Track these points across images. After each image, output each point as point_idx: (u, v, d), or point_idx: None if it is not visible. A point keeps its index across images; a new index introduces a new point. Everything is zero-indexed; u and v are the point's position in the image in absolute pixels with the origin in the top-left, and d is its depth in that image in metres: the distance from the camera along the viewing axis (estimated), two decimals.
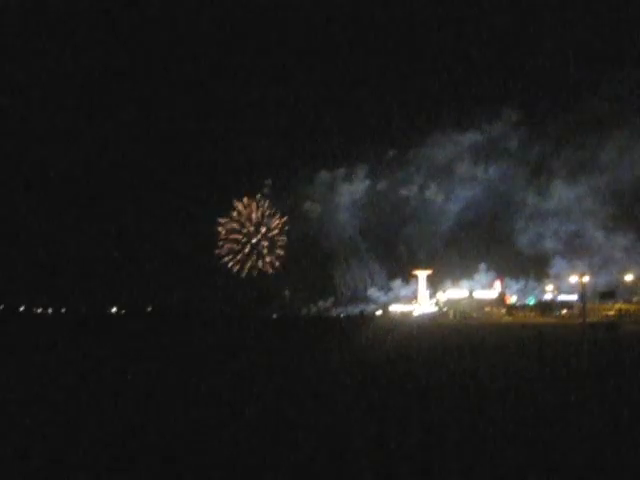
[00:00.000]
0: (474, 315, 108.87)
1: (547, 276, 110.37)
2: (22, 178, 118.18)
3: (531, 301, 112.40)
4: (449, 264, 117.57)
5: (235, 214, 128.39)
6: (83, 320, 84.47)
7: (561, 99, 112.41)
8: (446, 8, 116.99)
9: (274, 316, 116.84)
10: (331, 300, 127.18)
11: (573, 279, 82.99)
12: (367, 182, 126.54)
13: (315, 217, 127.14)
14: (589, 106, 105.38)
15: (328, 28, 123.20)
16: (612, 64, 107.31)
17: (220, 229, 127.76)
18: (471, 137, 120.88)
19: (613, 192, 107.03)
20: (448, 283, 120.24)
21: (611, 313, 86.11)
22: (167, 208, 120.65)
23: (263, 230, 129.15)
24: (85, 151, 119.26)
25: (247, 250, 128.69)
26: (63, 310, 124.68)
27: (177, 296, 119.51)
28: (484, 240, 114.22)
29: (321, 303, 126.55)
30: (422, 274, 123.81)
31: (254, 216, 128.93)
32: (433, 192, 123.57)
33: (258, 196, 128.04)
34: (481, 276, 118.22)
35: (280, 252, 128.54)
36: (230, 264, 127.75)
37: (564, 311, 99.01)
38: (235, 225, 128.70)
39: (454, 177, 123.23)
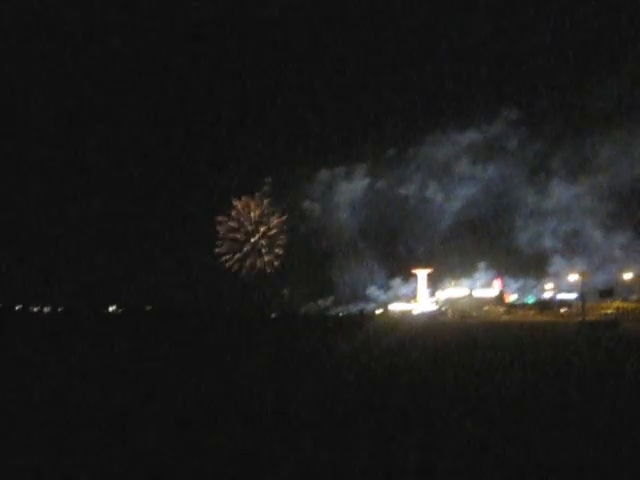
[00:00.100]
0: (473, 314, 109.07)
1: (546, 275, 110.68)
2: (20, 177, 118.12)
3: (530, 300, 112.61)
4: (448, 263, 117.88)
5: (234, 213, 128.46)
6: (81, 319, 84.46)
7: (560, 98, 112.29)
8: (445, 7, 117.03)
9: (272, 315, 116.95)
10: (331, 299, 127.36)
11: (572, 277, 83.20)
12: (366, 181, 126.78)
13: (314, 216, 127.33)
14: (588, 105, 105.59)
15: (328, 27, 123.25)
16: (611, 63, 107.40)
17: (219, 228, 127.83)
18: (470, 136, 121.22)
19: (612, 191, 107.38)
20: (447, 282, 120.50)
21: (610, 311, 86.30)
22: (166, 207, 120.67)
23: (262, 229, 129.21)
24: (83, 150, 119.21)
25: (246, 249, 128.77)
26: (60, 309, 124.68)
27: (176, 295, 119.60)
28: (483, 239, 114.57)
29: (321, 302, 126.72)
30: (421, 273, 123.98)
31: (253, 215, 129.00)
32: (432, 191, 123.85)
33: (257, 195, 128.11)
34: (480, 275, 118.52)
35: (279, 251, 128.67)
36: (229, 263, 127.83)
37: (563, 309, 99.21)
38: (234, 224, 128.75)
39: (453, 176, 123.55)
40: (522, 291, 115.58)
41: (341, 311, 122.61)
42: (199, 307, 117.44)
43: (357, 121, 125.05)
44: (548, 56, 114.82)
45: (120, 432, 10.80)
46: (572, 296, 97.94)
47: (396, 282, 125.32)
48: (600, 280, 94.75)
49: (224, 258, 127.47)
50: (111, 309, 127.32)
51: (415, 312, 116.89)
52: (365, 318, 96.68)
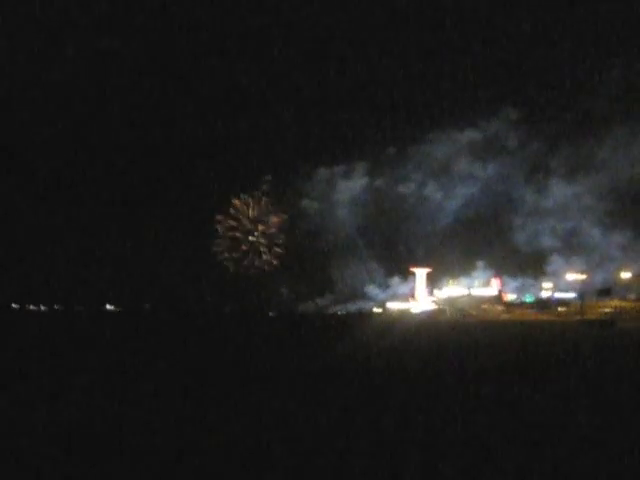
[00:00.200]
0: (472, 313, 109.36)
1: (544, 273, 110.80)
2: (17, 175, 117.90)
3: (528, 299, 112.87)
4: (447, 261, 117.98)
5: (233, 211, 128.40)
6: (79, 317, 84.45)
7: (559, 97, 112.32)
8: (445, 6, 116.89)
9: (270, 314, 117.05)
10: (329, 298, 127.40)
11: (570, 277, 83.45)
12: (366, 179, 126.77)
13: (313, 214, 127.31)
14: (587, 104, 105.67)
15: (327, 25, 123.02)
16: (610, 62, 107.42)
17: (218, 227, 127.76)
18: (470, 135, 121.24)
19: (610, 190, 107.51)
20: (446, 280, 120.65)
21: (607, 310, 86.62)
22: (165, 206, 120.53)
23: (261, 228, 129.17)
24: (81, 148, 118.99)
25: (245, 247, 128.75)
26: (57, 307, 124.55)
27: (174, 294, 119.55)
28: (482, 237, 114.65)
29: (319, 300, 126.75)
30: (420, 271, 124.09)
31: (252, 213, 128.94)
32: (431, 189, 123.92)
33: (256, 193, 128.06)
34: (479, 273, 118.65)
35: (278, 249, 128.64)
36: (228, 262, 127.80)
37: (561, 308, 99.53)
38: (233, 222, 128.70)
39: (452, 175, 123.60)
40: (520, 290, 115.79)
41: (339, 310, 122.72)
42: (197, 306, 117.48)
43: (356, 119, 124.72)
44: (548, 55, 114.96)
45: (119, 433, 10.82)
46: (570, 295, 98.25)
47: (395, 281, 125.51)
48: (598, 279, 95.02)
49: (223, 257, 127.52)
50: (108, 308, 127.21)
51: (414, 311, 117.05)
52: (364, 317, 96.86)
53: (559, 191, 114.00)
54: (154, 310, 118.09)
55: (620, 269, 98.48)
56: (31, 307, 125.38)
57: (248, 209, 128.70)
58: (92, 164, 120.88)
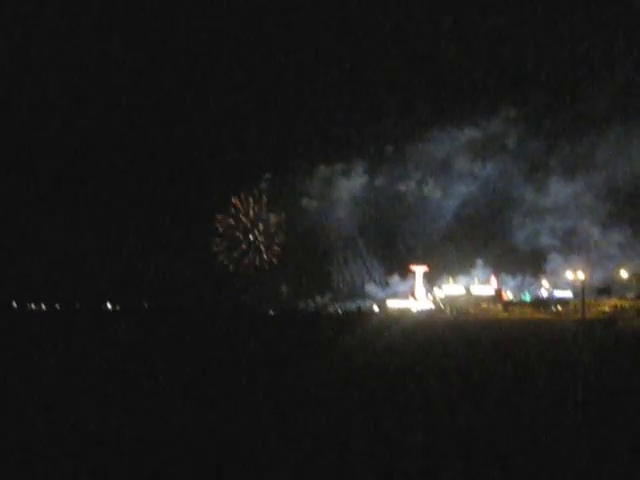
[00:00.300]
0: (471, 311, 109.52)
1: (543, 272, 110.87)
2: (17, 174, 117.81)
3: (527, 297, 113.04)
4: (446, 260, 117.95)
5: (232, 210, 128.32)
6: (79, 316, 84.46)
7: (558, 96, 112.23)
8: (444, 4, 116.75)
9: (270, 312, 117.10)
10: (329, 296, 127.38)
11: (569, 275, 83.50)
12: (365, 178, 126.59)
13: (313, 212, 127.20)
14: (586, 103, 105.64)
15: (326, 24, 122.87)
16: (610, 61, 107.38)
17: (217, 225, 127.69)
18: (469, 133, 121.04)
19: (609, 189, 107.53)
20: (445, 279, 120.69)
21: (607, 309, 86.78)
22: (164, 204, 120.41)
23: (260, 226, 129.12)
24: (81, 148, 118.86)
25: (244, 246, 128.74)
26: (57, 306, 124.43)
27: (173, 293, 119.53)
28: (481, 236, 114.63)
29: (319, 299, 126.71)
30: (419, 270, 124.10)
31: (252, 212, 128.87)
32: (431, 188, 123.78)
33: (256, 192, 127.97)
34: (478, 272, 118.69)
35: (277, 248, 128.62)
36: (227, 260, 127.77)
37: (560, 307, 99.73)
38: (232, 221, 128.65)
39: (452, 173, 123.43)
40: (519, 289, 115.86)
41: (339, 308, 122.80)
42: (197, 305, 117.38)
43: (356, 118, 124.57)
44: (547, 54, 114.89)
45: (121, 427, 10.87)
46: (568, 294, 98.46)
47: (394, 279, 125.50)
48: (597, 278, 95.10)
49: (222, 256, 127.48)
50: (109, 307, 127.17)
51: (413, 309, 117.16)
52: (363, 315, 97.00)
53: (558, 190, 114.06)
54: (154, 309, 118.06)
55: (619, 268, 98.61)
56: (32, 306, 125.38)
57: (247, 208, 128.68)
58: (92, 163, 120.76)
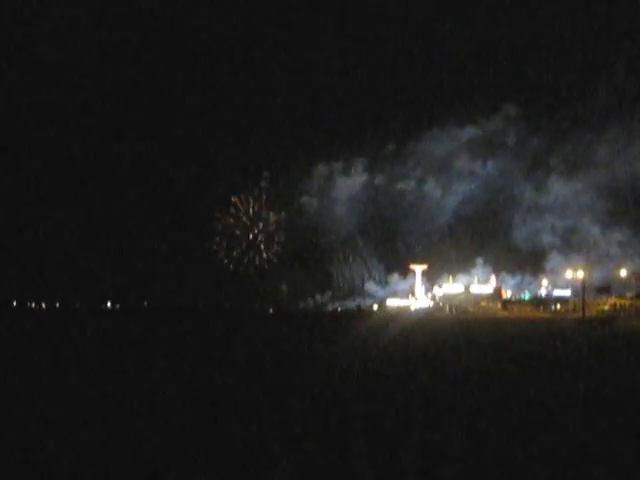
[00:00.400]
0: (470, 310, 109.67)
1: (543, 271, 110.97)
2: (17, 173, 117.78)
3: (526, 296, 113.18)
4: (446, 258, 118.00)
5: (232, 209, 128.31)
6: (80, 315, 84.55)
7: (559, 95, 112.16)
8: (444, 3, 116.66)
9: (270, 311, 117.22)
10: (328, 294, 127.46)
11: (569, 274, 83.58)
12: (365, 176, 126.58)
13: (313, 211, 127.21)
14: (587, 102, 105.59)
15: (326, 22, 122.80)
16: (610, 60, 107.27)
17: (217, 224, 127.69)
18: (469, 132, 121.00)
19: (610, 188, 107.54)
20: (445, 277, 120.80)
21: (606, 308, 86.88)
22: (164, 204, 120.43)
23: (260, 225, 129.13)
24: (81, 147, 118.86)
25: (244, 245, 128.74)
26: (57, 305, 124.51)
27: (173, 292, 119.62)
28: (481, 235, 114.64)
29: (318, 297, 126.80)
30: (419, 268, 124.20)
31: (251, 211, 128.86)
32: (431, 186, 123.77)
33: (255, 191, 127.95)
34: (478, 270, 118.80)
35: (277, 247, 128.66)
36: (227, 259, 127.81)
37: (559, 306, 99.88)
38: (232, 220, 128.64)
39: (452, 172, 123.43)
40: (519, 287, 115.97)
41: (338, 306, 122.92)
42: (197, 303, 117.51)
43: (355, 116, 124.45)
44: (548, 52, 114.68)
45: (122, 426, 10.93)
46: (567, 293, 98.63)
47: (394, 277, 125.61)
48: (597, 277, 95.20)
49: (222, 255, 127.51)
50: (109, 306, 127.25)
51: (413, 308, 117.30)
52: (363, 314, 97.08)
53: (558, 188, 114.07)
54: (153, 308, 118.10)
55: (619, 267, 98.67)
56: (33, 305, 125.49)
57: (247, 206, 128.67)
58: (91, 162, 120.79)
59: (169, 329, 49.09)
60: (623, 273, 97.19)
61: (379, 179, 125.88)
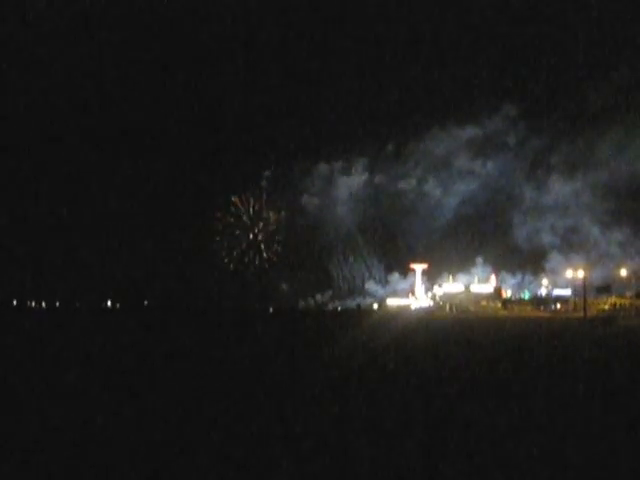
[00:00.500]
0: (471, 309, 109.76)
1: (543, 270, 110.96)
2: (18, 172, 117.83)
3: (526, 295, 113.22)
4: (446, 258, 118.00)
5: (232, 208, 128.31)
6: (81, 314, 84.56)
7: (559, 94, 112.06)
8: (444, 2, 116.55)
9: (271, 310, 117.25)
10: (329, 293, 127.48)
11: (569, 274, 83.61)
12: (365, 175, 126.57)
13: (313, 210, 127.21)
14: (587, 101, 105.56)
15: (326, 22, 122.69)
16: (611, 59, 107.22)
17: (217, 224, 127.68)
18: (470, 131, 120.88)
19: (610, 187, 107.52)
20: (445, 277, 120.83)
21: (606, 307, 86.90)
22: (164, 203, 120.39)
23: (261, 224, 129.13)
24: (81, 146, 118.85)
25: (244, 245, 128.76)
26: (57, 304, 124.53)
27: (173, 291, 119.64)
28: (481, 234, 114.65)
29: (319, 296, 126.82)
30: (419, 268, 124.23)
31: (251, 210, 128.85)
32: (431, 186, 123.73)
33: (256, 190, 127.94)
34: (478, 270, 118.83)
35: (278, 246, 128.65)
36: (227, 259, 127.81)
37: (559, 306, 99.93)
38: (232, 220, 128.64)
39: (452, 171, 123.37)
40: (519, 287, 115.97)
41: (339, 305, 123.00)
42: (197, 303, 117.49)
43: (356, 115, 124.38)
44: (548, 52, 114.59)
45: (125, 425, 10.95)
46: (567, 292, 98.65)
47: (394, 277, 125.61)
48: (597, 276, 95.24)
49: (222, 254, 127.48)
50: (109, 305, 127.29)
51: (413, 307, 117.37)
52: (363, 313, 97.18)
53: (559, 188, 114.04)
54: (154, 307, 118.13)
55: (619, 266, 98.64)
56: (33, 304, 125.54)
57: (247, 206, 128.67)
58: (92, 162, 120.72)
59: (169, 328, 49.11)
60: (623, 273, 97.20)
61: (379, 178, 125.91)
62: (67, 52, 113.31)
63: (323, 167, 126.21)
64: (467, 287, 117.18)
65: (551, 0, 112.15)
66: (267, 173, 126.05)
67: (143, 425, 11.38)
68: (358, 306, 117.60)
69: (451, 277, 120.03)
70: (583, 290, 74.33)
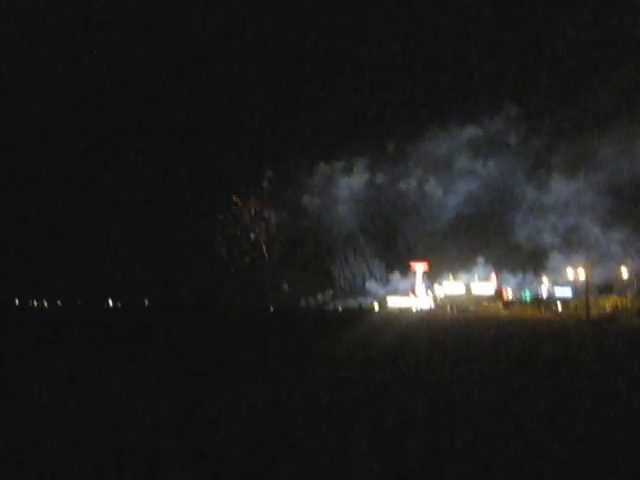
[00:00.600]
0: (471, 309, 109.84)
1: (544, 270, 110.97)
2: (18, 172, 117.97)
3: (526, 295, 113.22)
4: (447, 257, 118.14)
5: (233, 208, 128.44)
6: (82, 313, 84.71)
7: (560, 94, 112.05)
8: (445, 2, 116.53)
9: (271, 309, 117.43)
10: (330, 293, 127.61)
11: (570, 273, 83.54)
12: (366, 175, 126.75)
13: (314, 210, 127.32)
14: (588, 101, 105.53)
15: (326, 21, 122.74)
16: (612, 60, 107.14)
17: (217, 224, 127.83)
18: (470, 131, 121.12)
19: (611, 187, 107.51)
20: (446, 276, 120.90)
21: (607, 307, 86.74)
22: (165, 203, 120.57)
23: (261, 224, 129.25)
24: (81, 146, 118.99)
25: (245, 244, 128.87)
26: (59, 303, 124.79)
27: (174, 291, 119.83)
28: (482, 234, 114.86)
29: (320, 296, 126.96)
30: (420, 267, 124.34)
31: (252, 210, 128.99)
32: (432, 186, 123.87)
33: (257, 190, 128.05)
34: (479, 269, 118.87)
35: (278, 246, 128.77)
36: (228, 259, 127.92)
37: (560, 306, 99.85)
38: (233, 219, 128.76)
39: (453, 171, 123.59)
40: (520, 287, 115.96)
41: (339, 305, 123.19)
42: (198, 302, 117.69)
43: (357, 115, 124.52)
44: (549, 52, 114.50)
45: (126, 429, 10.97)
46: (568, 292, 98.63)
47: (395, 276, 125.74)
48: (598, 276, 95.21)
49: (223, 254, 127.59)
50: (110, 304, 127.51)
51: (414, 307, 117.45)
52: (364, 312, 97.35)
53: (560, 188, 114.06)
54: (155, 307, 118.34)
55: (620, 266, 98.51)
56: (35, 303, 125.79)
57: (248, 206, 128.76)
58: (92, 161, 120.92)
59: (169, 327, 49.17)
60: (624, 272, 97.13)
61: (380, 178, 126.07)
62: (67, 52, 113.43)
63: (324, 167, 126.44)
64: (468, 287, 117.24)
65: (552, 2, 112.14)
66: (268, 173, 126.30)
67: (143, 425, 11.38)
68: (359, 306, 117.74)
69: (451, 276, 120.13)
70: (585, 291, 74.27)
